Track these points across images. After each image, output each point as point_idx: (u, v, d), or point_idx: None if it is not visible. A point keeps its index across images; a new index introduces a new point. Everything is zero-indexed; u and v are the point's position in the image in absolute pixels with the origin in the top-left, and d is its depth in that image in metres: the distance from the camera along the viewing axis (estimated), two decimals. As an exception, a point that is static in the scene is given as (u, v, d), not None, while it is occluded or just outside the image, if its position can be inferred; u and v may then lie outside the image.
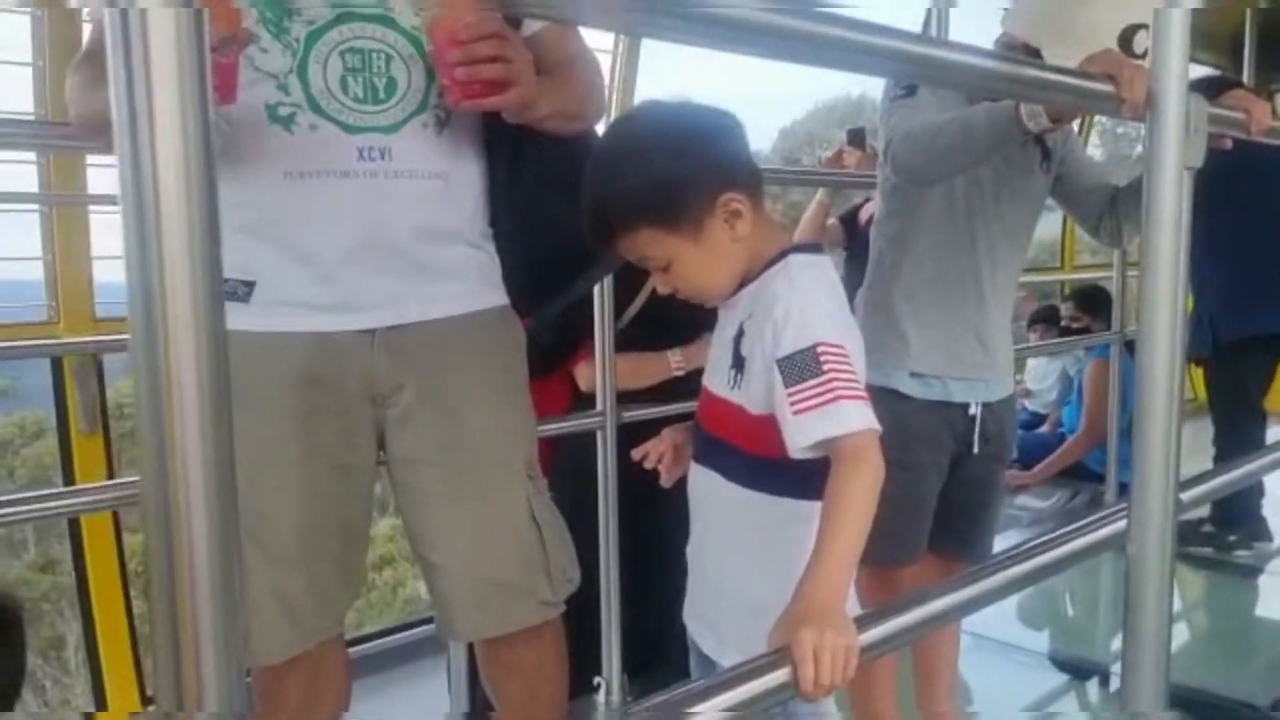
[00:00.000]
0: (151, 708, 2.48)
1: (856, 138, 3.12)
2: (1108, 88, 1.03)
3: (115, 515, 2.48)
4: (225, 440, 0.47)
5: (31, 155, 2.42)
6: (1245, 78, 4.25)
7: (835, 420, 0.97)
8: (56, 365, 2.47)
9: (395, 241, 1.19)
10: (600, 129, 1.32)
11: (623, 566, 1.88)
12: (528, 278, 1.33)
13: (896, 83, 1.55)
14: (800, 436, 0.99)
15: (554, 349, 2.03)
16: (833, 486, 0.96)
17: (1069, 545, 1.02)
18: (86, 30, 1.96)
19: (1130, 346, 1.70)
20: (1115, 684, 2.15)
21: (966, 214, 1.62)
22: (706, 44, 0.71)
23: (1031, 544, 1.01)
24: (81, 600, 2.53)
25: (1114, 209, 1.66)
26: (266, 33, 1.11)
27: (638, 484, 1.41)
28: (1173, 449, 1.04)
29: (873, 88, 1.68)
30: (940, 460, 1.66)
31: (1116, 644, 1.74)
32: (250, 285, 1.17)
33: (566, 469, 1.97)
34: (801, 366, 0.99)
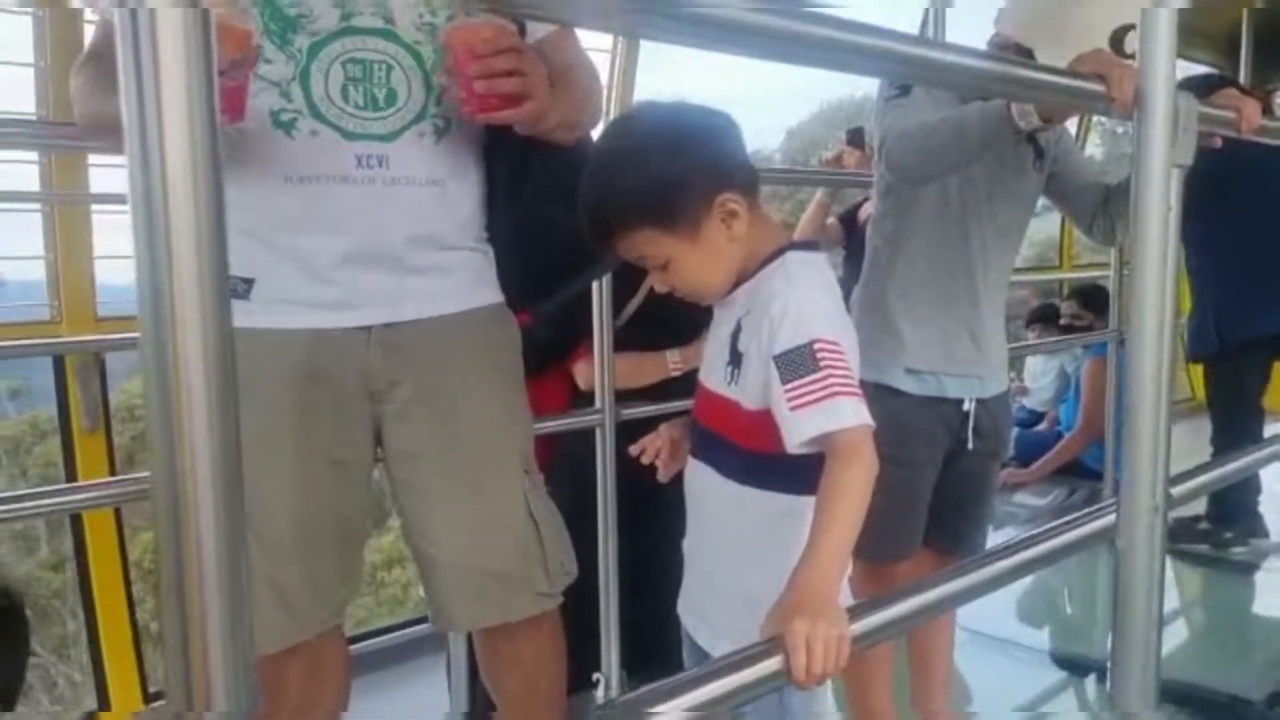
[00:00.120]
0: (154, 705, 2.50)
1: (856, 138, 3.13)
2: (1097, 87, 1.05)
3: (118, 513, 2.50)
4: (232, 435, 0.48)
5: (33, 155, 2.43)
6: (1242, 77, 4.26)
7: (831, 416, 0.99)
8: (59, 364, 2.48)
9: (390, 247, 1.21)
10: (596, 131, 1.34)
11: (621, 563, 1.89)
12: (525, 278, 1.35)
13: (891, 83, 1.57)
14: (797, 432, 1.00)
15: (553, 347, 2.04)
16: (827, 481, 0.98)
17: (1059, 539, 1.04)
18: (88, 31, 1.98)
19: (1128, 344, 1.71)
20: None
21: (960, 213, 1.64)
22: (703, 45, 0.72)
23: (1022, 538, 1.03)
24: (84, 598, 2.54)
25: (1107, 207, 1.68)
26: (270, 44, 1.13)
27: (636, 481, 1.42)
28: (1162, 444, 1.05)
29: (876, 88, 1.70)
30: (935, 456, 1.67)
31: (1112, 639, 1.76)
32: (249, 282, 1.19)
33: (565, 466, 1.98)
34: (798, 363, 1.01)
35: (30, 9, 2.35)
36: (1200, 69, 4.39)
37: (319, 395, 1.21)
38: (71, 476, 2.45)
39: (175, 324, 0.46)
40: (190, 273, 0.46)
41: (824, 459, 1.00)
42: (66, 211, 2.45)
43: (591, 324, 1.86)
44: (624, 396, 1.91)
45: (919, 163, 1.52)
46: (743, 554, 1.15)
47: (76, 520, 2.49)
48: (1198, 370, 3.59)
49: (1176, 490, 1.21)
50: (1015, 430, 4.36)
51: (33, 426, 8.77)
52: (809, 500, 1.00)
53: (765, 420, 1.06)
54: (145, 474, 1.50)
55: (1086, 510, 1.09)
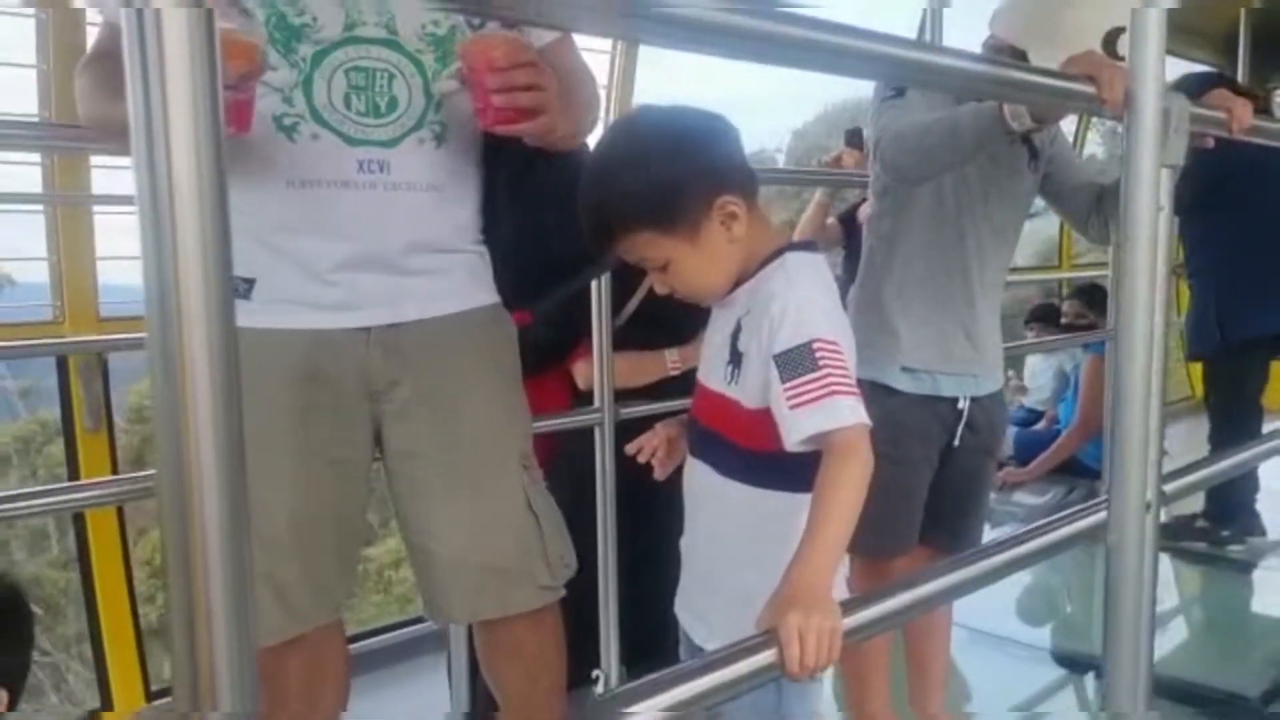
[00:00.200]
0: (156, 704, 2.51)
1: (855, 138, 3.15)
2: (1088, 89, 1.06)
3: (120, 512, 2.51)
4: (236, 432, 0.49)
5: (36, 156, 2.44)
6: (1240, 76, 4.27)
7: (829, 415, 1.01)
8: (62, 364, 2.50)
9: (390, 251, 1.23)
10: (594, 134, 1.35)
11: (620, 561, 1.90)
12: (522, 280, 1.37)
13: (886, 84, 1.58)
14: (796, 430, 1.02)
15: (552, 347, 2.05)
16: (823, 478, 0.99)
17: (1050, 536, 1.05)
18: (91, 33, 1.99)
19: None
20: None
21: (955, 213, 1.65)
22: (701, 50, 0.74)
23: (1013, 535, 1.04)
24: (87, 597, 2.56)
25: (1100, 207, 1.69)
26: (275, 51, 1.15)
27: (635, 480, 1.44)
28: (1153, 441, 1.06)
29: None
30: (930, 454, 1.69)
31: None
32: (250, 283, 1.20)
33: (565, 465, 1.99)
34: (798, 362, 1.03)
35: (32, 10, 2.36)
36: (1199, 68, 4.41)
37: (319, 395, 1.22)
38: (74, 476, 2.47)
39: (181, 323, 0.47)
40: (195, 273, 0.47)
41: (822, 458, 1.02)
42: (69, 213, 2.46)
43: (591, 324, 1.87)
44: (623, 396, 1.92)
45: (914, 163, 1.53)
46: (740, 552, 1.16)
47: (79, 520, 2.50)
48: (1197, 368, 3.59)
49: (1169, 487, 1.22)
50: (1014, 429, 4.37)
51: (43, 426, 8.80)
52: (806, 498, 1.01)
53: (765, 419, 1.07)
54: (147, 473, 1.51)
55: (1078, 507, 1.11)
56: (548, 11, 0.68)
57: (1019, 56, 1.51)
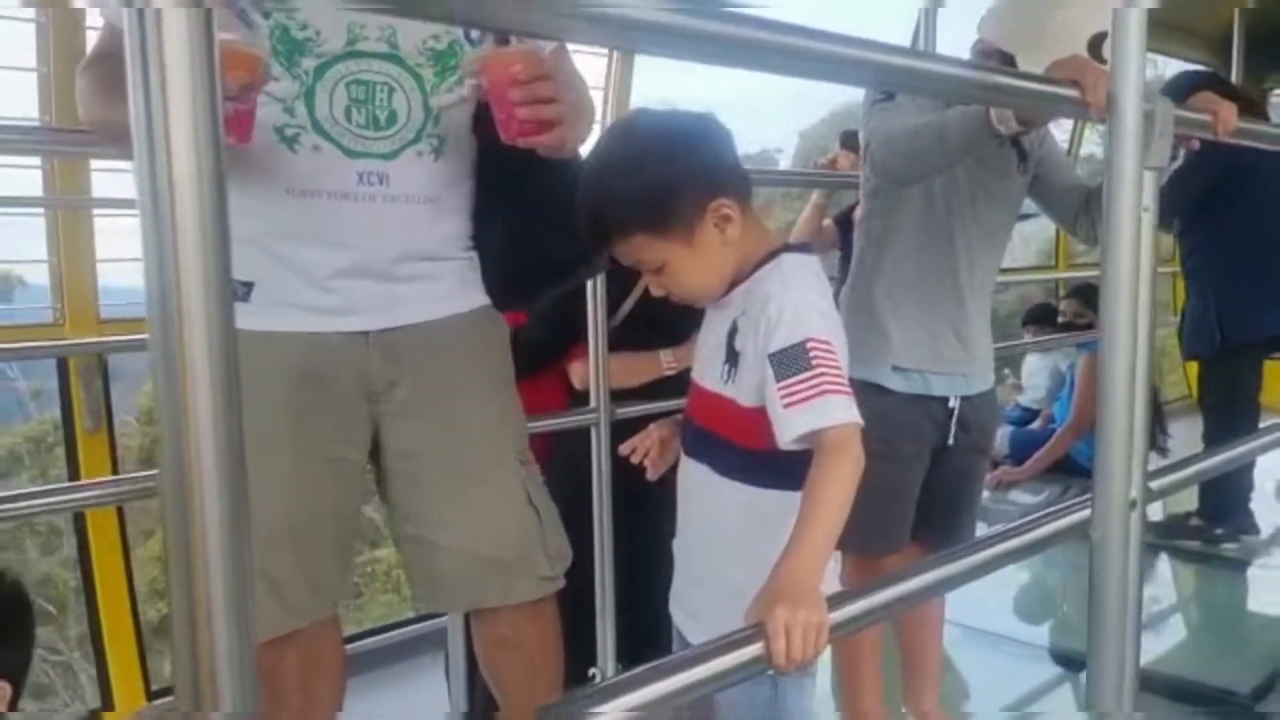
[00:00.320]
0: (157, 703, 2.52)
1: (851, 140, 3.17)
2: (1072, 92, 1.07)
3: (121, 513, 2.53)
4: (236, 430, 0.51)
5: (36, 159, 2.46)
6: (1234, 76, 4.29)
7: (821, 413, 1.03)
8: (62, 366, 2.51)
9: (384, 261, 1.25)
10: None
11: (617, 559, 1.92)
12: (512, 282, 1.39)
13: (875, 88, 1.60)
14: (789, 428, 1.04)
15: (549, 348, 2.07)
16: (815, 475, 1.01)
17: (1035, 532, 1.07)
18: (92, 36, 2.00)
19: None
20: None
21: (945, 214, 1.67)
22: (696, 59, 0.76)
23: (999, 531, 1.06)
24: (88, 597, 2.57)
25: (1088, 208, 1.71)
26: (278, 64, 1.17)
27: (631, 479, 1.45)
28: (1139, 438, 1.08)
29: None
30: (922, 452, 1.71)
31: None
32: (249, 286, 1.22)
33: (561, 465, 2.01)
34: (792, 361, 1.05)
35: (33, 12, 2.37)
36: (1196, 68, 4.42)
37: (316, 396, 1.24)
38: (75, 476, 2.49)
39: (182, 325, 0.49)
40: (196, 275, 0.49)
41: (813, 456, 1.03)
42: (69, 215, 2.48)
43: (586, 325, 1.88)
44: (619, 396, 1.93)
45: (902, 165, 1.55)
46: (733, 550, 1.18)
47: (80, 520, 2.52)
48: (1193, 366, 3.60)
49: (1155, 484, 1.23)
50: (1010, 428, 4.39)
51: (55, 426, 8.85)
52: (799, 497, 1.03)
53: (760, 418, 1.09)
54: (147, 473, 1.53)
55: (1063, 504, 1.12)
56: (546, 24, 0.70)
57: (1007, 60, 1.53)
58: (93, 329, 2.50)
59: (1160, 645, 2.58)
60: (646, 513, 1.71)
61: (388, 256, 1.25)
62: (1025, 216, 2.00)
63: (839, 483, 1.00)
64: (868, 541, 1.60)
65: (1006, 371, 5.47)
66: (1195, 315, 3.17)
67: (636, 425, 1.40)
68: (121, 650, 2.52)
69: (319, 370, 1.24)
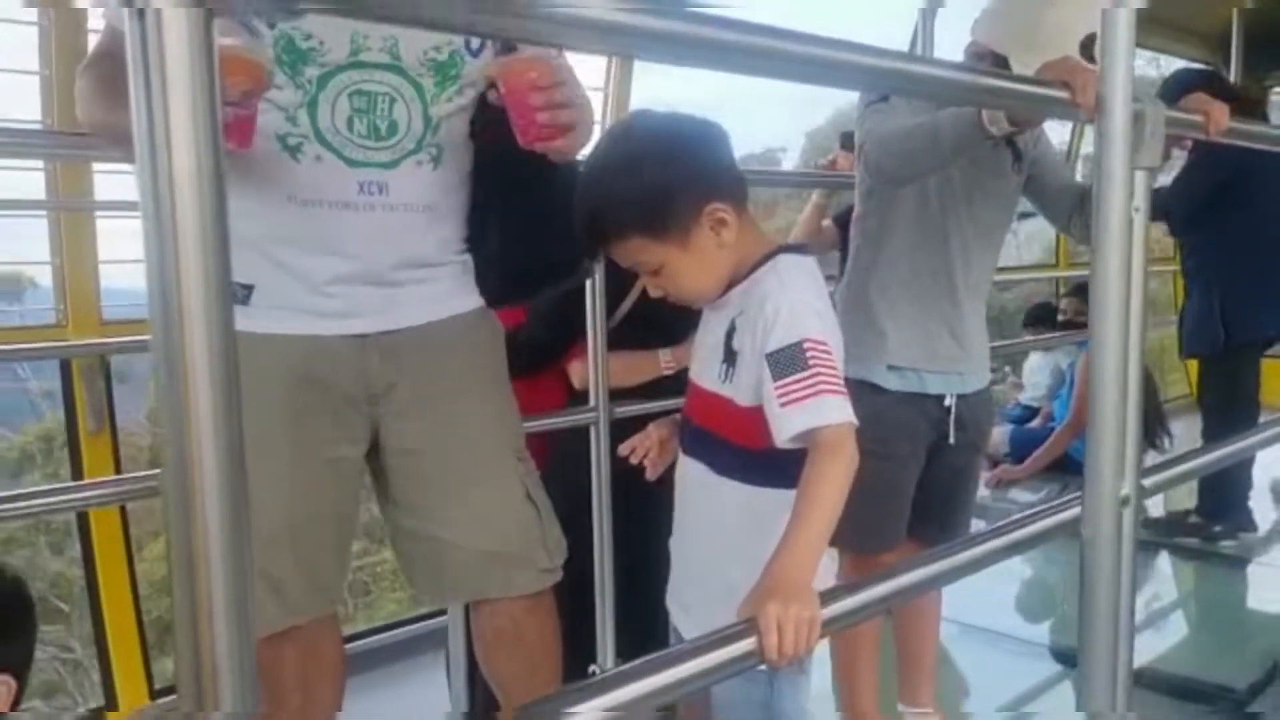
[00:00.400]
0: (159, 701, 2.53)
1: (849, 141, 3.17)
2: (1062, 94, 1.08)
3: (124, 513, 2.54)
4: (236, 428, 0.52)
5: (39, 160, 2.47)
6: (1233, 75, 4.30)
7: (817, 412, 1.04)
8: (65, 367, 2.53)
9: (383, 268, 1.28)
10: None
11: (618, 557, 1.93)
12: (506, 282, 1.42)
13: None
14: (786, 427, 1.06)
15: (548, 348, 2.09)
16: (809, 473, 1.03)
17: (1026, 529, 1.08)
18: (94, 39, 2.02)
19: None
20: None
21: (940, 214, 1.68)
22: (689, 64, 0.78)
23: (990, 528, 1.07)
24: (91, 597, 2.58)
25: (1083, 207, 1.72)
26: (282, 73, 1.18)
27: (630, 477, 1.47)
28: (1131, 435, 1.09)
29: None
30: (918, 450, 1.72)
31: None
32: (249, 289, 1.24)
33: (561, 463, 2.02)
34: (789, 361, 1.06)
35: (35, 14, 2.38)
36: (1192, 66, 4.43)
37: (316, 397, 1.26)
38: (78, 477, 2.50)
39: (183, 326, 0.50)
40: (196, 277, 0.50)
41: (808, 454, 1.05)
42: (71, 217, 2.49)
43: (586, 325, 1.90)
44: (618, 395, 1.95)
45: (895, 166, 1.57)
46: (729, 548, 1.20)
47: (83, 520, 2.53)
48: (1192, 364, 3.61)
49: (1149, 481, 1.25)
50: (1010, 427, 4.40)
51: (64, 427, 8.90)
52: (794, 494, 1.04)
53: (758, 417, 1.11)
54: (149, 472, 1.55)
55: (1055, 501, 1.13)
56: (545, 32, 0.71)
57: (1001, 62, 1.54)
58: (95, 330, 2.50)
59: (1158, 642, 2.60)
60: (646, 511, 1.72)
61: (387, 264, 1.27)
62: (1028, 215, 2.01)
63: (833, 481, 1.02)
64: (864, 539, 1.62)
65: (1007, 370, 5.48)
66: (1199, 313, 3.17)
67: (635, 424, 1.42)
68: (125, 650, 2.53)
69: (318, 372, 1.26)
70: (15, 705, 1.20)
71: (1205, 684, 2.26)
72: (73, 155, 2.03)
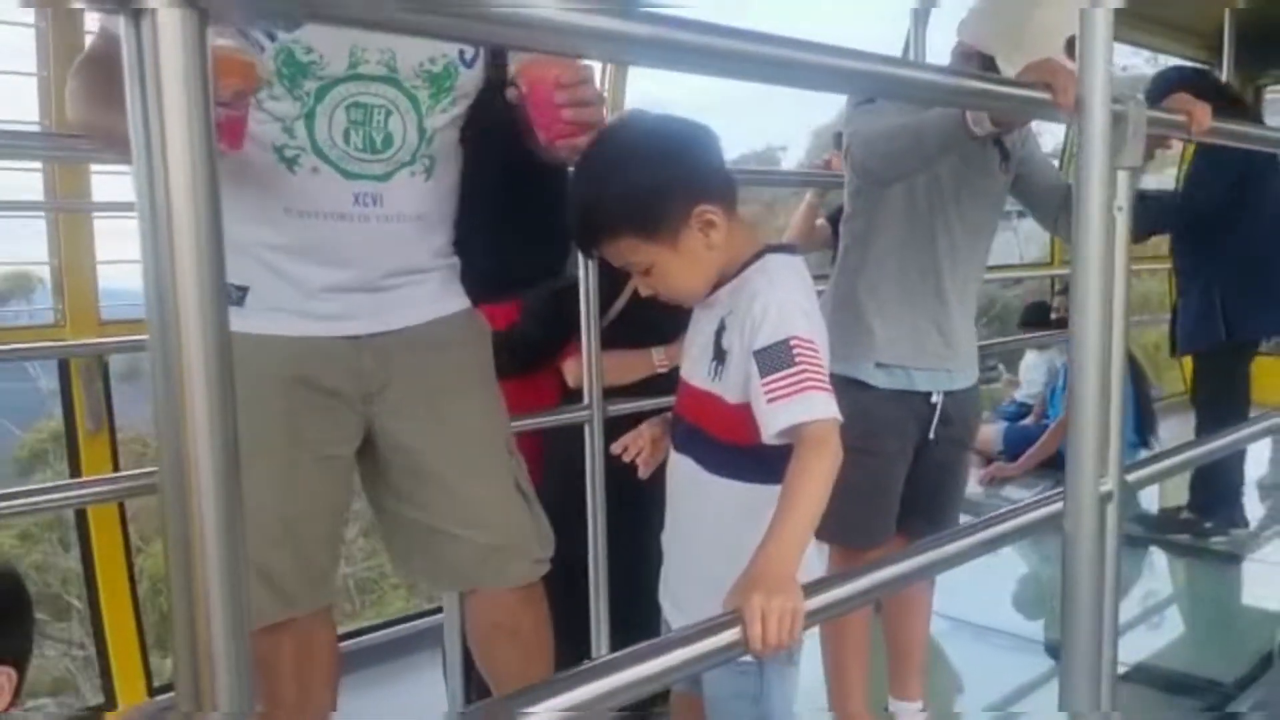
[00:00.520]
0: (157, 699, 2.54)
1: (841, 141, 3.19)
2: (1043, 95, 1.10)
3: (122, 511, 2.55)
4: (230, 427, 0.54)
5: (37, 161, 2.48)
6: (1225, 74, 4.31)
7: (803, 408, 1.06)
8: (64, 367, 2.54)
9: (376, 277, 1.30)
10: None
11: (610, 553, 1.95)
12: (488, 285, 1.46)
13: None
14: (772, 423, 1.08)
15: (543, 346, 2.11)
16: (794, 468, 1.05)
17: (1009, 523, 1.10)
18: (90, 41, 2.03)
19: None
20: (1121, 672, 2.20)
21: (928, 213, 1.70)
22: (680, 69, 0.80)
23: (973, 522, 1.09)
24: (89, 595, 2.60)
25: (1067, 206, 1.74)
26: (281, 85, 1.20)
27: (624, 475, 1.48)
28: (1113, 432, 1.11)
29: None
30: (905, 447, 1.74)
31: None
32: (244, 290, 1.26)
33: (556, 461, 2.04)
34: (776, 358, 1.09)
35: (33, 16, 2.39)
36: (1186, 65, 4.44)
37: (309, 397, 1.29)
38: (76, 476, 2.51)
39: (179, 325, 0.51)
40: (191, 275, 0.51)
41: (794, 449, 1.07)
42: (70, 217, 2.50)
43: (580, 323, 1.91)
44: (612, 393, 1.96)
45: (881, 166, 1.59)
46: (719, 543, 1.21)
47: (82, 519, 2.54)
48: (1188, 362, 3.62)
49: (1133, 476, 1.27)
50: (1004, 424, 4.42)
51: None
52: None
53: (746, 414, 1.13)
54: (146, 469, 1.56)
55: (1038, 496, 1.15)
56: (541, 39, 0.73)
57: (988, 62, 1.56)
58: (93, 330, 2.51)
59: (1148, 637, 2.62)
60: (639, 507, 1.74)
61: (380, 272, 1.30)
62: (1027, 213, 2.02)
63: (818, 476, 1.04)
64: (853, 535, 1.64)
65: (1002, 367, 5.50)
66: (1199, 311, 3.17)
67: (629, 422, 1.43)
68: (124, 647, 2.54)
69: (312, 372, 1.29)
70: (16, 696, 1.22)
71: (1194, 678, 2.28)
72: (71, 156, 2.04)
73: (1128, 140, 1.11)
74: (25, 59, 2.41)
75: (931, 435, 1.75)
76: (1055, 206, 1.77)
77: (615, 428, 1.75)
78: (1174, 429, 4.09)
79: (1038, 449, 4.02)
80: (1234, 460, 3.30)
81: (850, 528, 1.62)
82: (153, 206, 0.51)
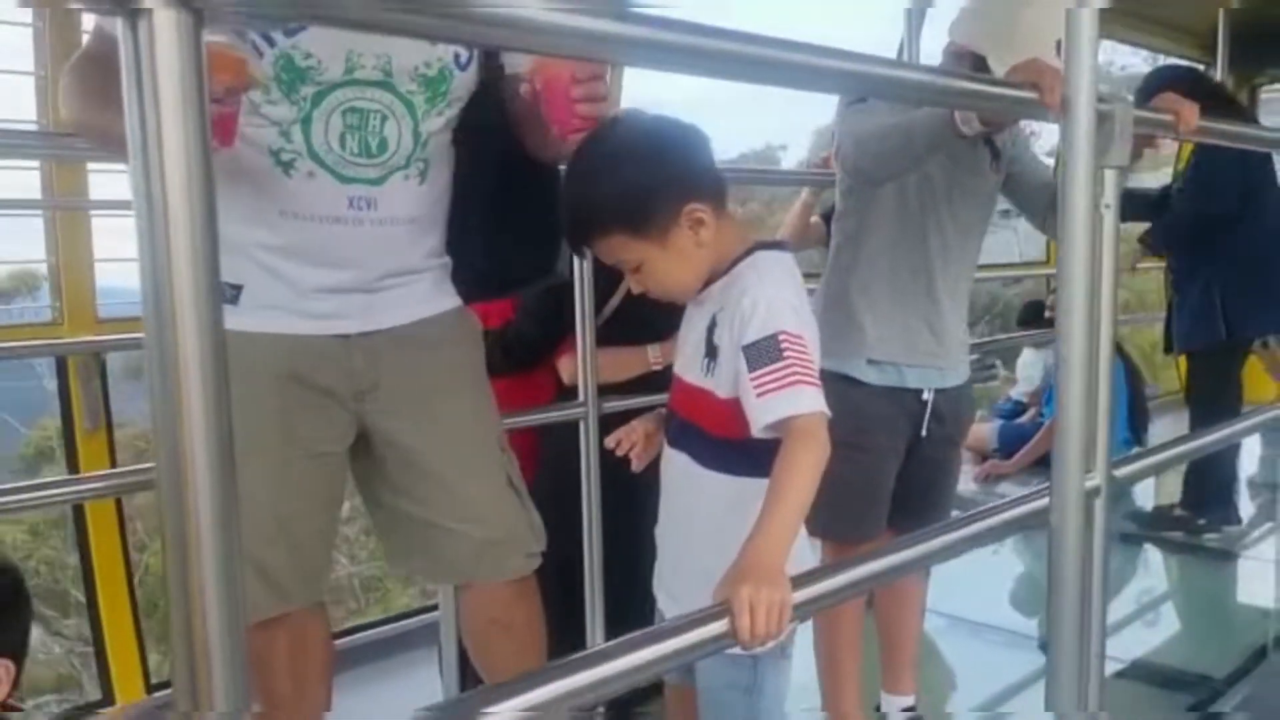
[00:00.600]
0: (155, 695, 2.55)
1: None
2: (1030, 94, 1.11)
3: (120, 507, 2.56)
4: (225, 423, 0.55)
5: (35, 160, 2.48)
6: (1220, 73, 4.32)
7: (791, 402, 1.08)
8: (61, 365, 2.54)
9: (369, 278, 1.32)
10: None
11: (605, 548, 1.96)
12: (480, 284, 1.48)
13: None
14: (761, 416, 1.10)
15: (539, 344, 2.12)
16: (782, 461, 1.06)
17: (996, 518, 1.11)
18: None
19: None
20: (1113, 668, 2.22)
21: (919, 212, 1.71)
22: (679, 70, 0.81)
23: (960, 517, 1.10)
24: (87, 591, 2.60)
25: (1055, 205, 1.75)
26: (279, 91, 1.21)
27: (619, 470, 1.49)
28: (1101, 427, 1.12)
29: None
30: (897, 444, 1.75)
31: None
32: (238, 289, 1.28)
33: (550, 457, 2.06)
34: (764, 352, 1.10)
35: (31, 16, 2.40)
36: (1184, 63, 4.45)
37: (301, 394, 1.30)
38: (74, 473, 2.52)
39: (176, 322, 0.52)
40: (188, 274, 0.52)
41: (781, 442, 1.08)
42: (67, 216, 2.51)
43: (575, 321, 1.93)
44: (607, 390, 1.98)
45: (871, 165, 1.60)
46: (712, 536, 1.22)
47: (80, 516, 2.55)
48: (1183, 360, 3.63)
49: (1120, 472, 1.28)
50: (999, 422, 4.43)
51: (74, 423, 8.88)
52: None
53: (738, 408, 1.14)
54: (143, 465, 1.57)
55: (1025, 492, 1.16)
56: (533, 40, 0.74)
57: (979, 61, 1.57)
58: (91, 328, 2.51)
59: (1142, 634, 2.63)
60: (633, 503, 1.75)
61: (373, 275, 1.32)
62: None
63: (805, 469, 1.05)
64: (844, 530, 1.65)
65: (1000, 365, 5.51)
66: (1198, 310, 3.18)
67: (624, 419, 1.45)
68: (121, 644, 2.55)
69: (304, 370, 1.30)
70: (14, 687, 1.23)
71: (1188, 674, 2.30)
72: (68, 155, 2.05)
73: (1114, 139, 1.13)
74: (23, 58, 2.42)
75: (925, 432, 1.76)
76: (1045, 205, 1.79)
77: (611, 425, 1.76)
78: (1170, 427, 4.10)
79: (1032, 446, 4.03)
80: (1227, 458, 3.32)
81: (841, 523, 1.64)
82: (149, 204, 0.52)
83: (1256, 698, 2.11)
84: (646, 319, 2.01)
